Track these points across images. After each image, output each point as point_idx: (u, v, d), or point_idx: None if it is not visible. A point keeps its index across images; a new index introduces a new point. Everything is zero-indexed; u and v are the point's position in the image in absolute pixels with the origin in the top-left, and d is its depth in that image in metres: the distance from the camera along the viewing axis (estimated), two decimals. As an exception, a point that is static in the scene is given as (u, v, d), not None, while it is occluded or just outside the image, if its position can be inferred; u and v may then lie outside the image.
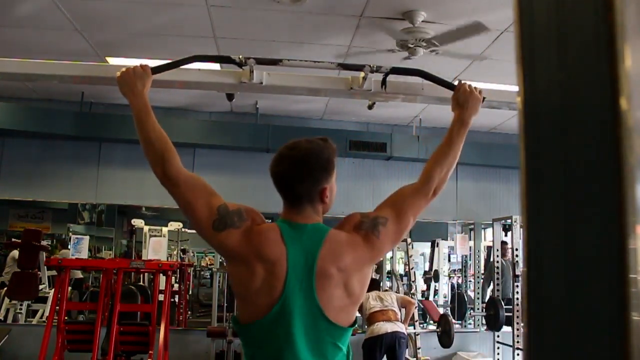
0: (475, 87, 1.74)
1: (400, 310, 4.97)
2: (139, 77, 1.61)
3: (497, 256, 5.76)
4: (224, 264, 6.52)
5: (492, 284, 5.89)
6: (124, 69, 1.64)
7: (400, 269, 7.31)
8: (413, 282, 5.82)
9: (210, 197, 1.47)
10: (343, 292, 1.41)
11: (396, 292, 5.86)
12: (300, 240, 1.43)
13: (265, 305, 1.38)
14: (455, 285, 7.60)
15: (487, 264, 6.74)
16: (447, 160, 1.61)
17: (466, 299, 6.83)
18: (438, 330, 5.57)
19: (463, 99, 1.70)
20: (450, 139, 1.65)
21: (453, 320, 5.61)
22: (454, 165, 1.64)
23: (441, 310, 6.95)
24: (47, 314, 5.26)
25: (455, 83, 1.83)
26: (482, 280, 6.87)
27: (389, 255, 7.24)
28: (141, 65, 1.64)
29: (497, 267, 5.72)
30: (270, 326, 1.38)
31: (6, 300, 5.87)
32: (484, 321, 6.04)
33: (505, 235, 5.92)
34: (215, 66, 2.63)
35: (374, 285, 5.25)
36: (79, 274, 6.47)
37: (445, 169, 1.60)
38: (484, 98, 1.78)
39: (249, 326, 1.41)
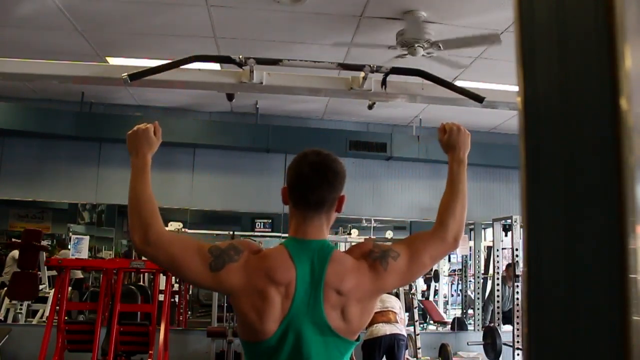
0: (460, 126, 1.69)
1: (400, 311, 4.96)
2: (147, 141, 1.57)
3: (497, 261, 5.74)
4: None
5: (491, 306, 5.88)
6: (136, 128, 1.59)
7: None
8: (413, 282, 5.82)
9: (197, 246, 1.43)
10: (340, 316, 1.40)
11: (396, 294, 5.86)
12: (307, 257, 1.41)
13: (271, 324, 1.37)
14: (456, 292, 7.60)
15: (487, 264, 6.74)
16: (457, 204, 1.58)
17: (466, 322, 6.82)
18: None
19: (453, 140, 1.66)
20: (452, 182, 1.62)
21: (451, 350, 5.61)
22: (466, 206, 1.60)
23: (444, 316, 6.94)
24: (47, 314, 5.26)
25: (456, 83, 1.83)
26: (481, 281, 6.86)
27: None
28: (155, 127, 1.59)
29: (498, 285, 5.70)
30: (278, 344, 1.37)
31: (6, 300, 5.87)
32: (484, 322, 6.04)
33: (506, 235, 5.91)
34: (215, 66, 2.63)
35: None
36: (79, 274, 6.47)
37: (457, 213, 1.57)
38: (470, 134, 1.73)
39: (256, 345, 1.40)
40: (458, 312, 7.57)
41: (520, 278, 4.99)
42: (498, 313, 5.66)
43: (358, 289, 1.41)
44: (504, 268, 5.97)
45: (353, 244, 1.55)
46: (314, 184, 1.45)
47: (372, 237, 6.96)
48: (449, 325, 6.72)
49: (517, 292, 5.10)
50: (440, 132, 1.70)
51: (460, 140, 1.65)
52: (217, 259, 1.40)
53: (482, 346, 5.58)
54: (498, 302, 5.67)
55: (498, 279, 5.70)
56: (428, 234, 1.56)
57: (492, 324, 5.62)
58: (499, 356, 5.41)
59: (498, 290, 5.67)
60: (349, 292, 1.40)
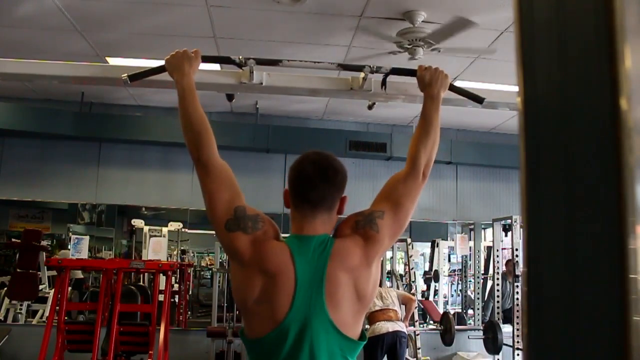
0: (438, 68, 1.76)
1: (401, 308, 4.97)
2: (188, 58, 1.67)
3: (497, 261, 5.74)
4: (224, 265, 6.53)
5: (491, 302, 5.86)
6: (174, 51, 1.70)
7: (400, 269, 7.30)
8: (413, 282, 5.82)
9: (233, 195, 1.47)
10: (354, 296, 1.40)
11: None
12: (308, 254, 1.41)
13: (272, 320, 1.37)
14: (455, 290, 7.60)
15: (487, 264, 6.74)
16: (429, 139, 1.60)
17: (466, 318, 6.81)
18: (440, 328, 5.57)
19: (429, 77, 1.71)
20: (425, 117, 1.65)
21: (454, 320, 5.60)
22: (437, 144, 1.62)
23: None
24: (47, 314, 5.26)
25: (456, 83, 1.83)
26: (481, 281, 6.86)
27: (389, 255, 7.24)
28: (193, 51, 1.71)
29: (498, 282, 5.70)
30: (279, 341, 1.36)
31: (6, 300, 5.87)
32: (484, 318, 6.03)
33: (506, 235, 5.91)
34: (215, 66, 2.63)
35: None
36: (79, 274, 6.47)
37: (429, 148, 1.59)
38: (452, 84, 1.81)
39: (257, 341, 1.40)
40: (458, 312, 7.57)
41: (520, 278, 4.98)
42: (498, 311, 5.66)
43: (362, 261, 1.43)
44: (504, 264, 5.97)
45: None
46: (315, 181, 1.46)
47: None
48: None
49: (517, 292, 5.10)
50: (419, 69, 1.76)
51: (436, 76, 1.71)
52: (235, 221, 1.43)
53: (482, 341, 5.57)
54: (498, 299, 5.66)
55: (498, 277, 5.70)
56: (401, 177, 1.57)
57: (493, 319, 5.61)
58: (500, 351, 5.41)
59: (498, 288, 5.67)
60: (355, 267, 1.41)
